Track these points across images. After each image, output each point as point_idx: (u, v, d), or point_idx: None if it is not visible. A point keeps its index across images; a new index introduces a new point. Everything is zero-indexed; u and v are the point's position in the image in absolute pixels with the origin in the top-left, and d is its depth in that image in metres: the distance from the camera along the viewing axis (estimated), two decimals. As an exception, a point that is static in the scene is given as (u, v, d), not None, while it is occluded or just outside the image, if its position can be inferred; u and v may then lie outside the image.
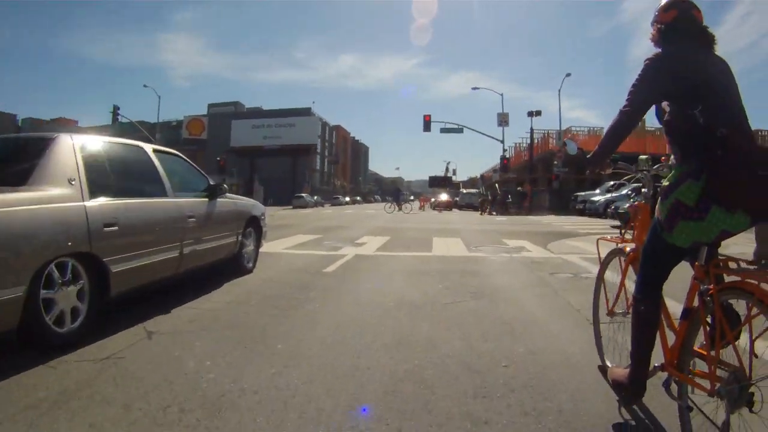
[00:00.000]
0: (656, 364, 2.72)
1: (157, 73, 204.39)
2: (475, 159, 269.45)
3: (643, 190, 3.29)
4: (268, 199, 68.65)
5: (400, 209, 40.13)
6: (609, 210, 23.48)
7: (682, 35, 2.64)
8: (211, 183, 6.76)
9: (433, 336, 4.41)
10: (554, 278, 7.56)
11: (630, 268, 3.23)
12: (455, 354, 3.89)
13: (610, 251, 3.56)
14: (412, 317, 5.08)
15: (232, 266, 7.26)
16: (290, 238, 13.83)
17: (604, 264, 3.65)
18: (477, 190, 54.56)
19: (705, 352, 2.36)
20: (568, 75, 44.57)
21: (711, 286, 2.34)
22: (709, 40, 2.65)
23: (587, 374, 3.49)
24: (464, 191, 58.55)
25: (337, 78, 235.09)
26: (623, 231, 3.73)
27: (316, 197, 68.16)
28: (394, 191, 50.10)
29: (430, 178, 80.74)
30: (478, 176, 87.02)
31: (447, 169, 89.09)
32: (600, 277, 3.70)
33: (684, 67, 2.51)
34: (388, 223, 22.18)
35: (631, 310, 2.87)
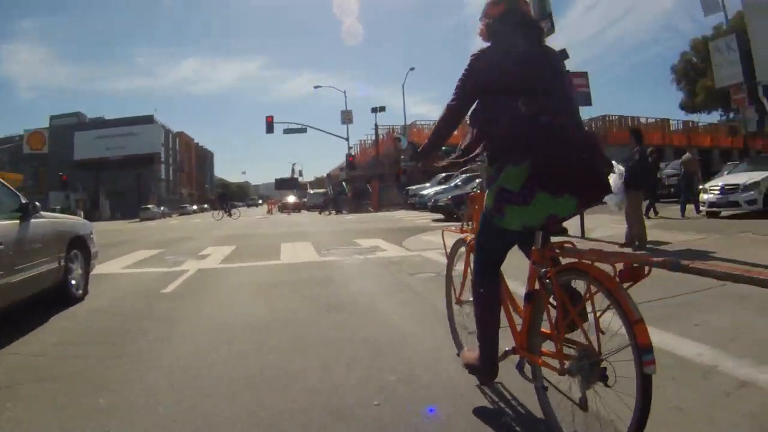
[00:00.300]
0: (507, 348, 2.79)
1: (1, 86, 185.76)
2: (322, 159, 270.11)
3: (477, 180, 3.43)
4: (115, 212, 64.98)
5: (230, 215, 38.14)
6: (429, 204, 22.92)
7: (510, 29, 2.67)
8: (24, 201, 5.78)
9: (288, 368, 3.80)
10: (415, 279, 7.36)
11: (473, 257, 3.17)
12: (316, 391, 3.30)
13: (455, 242, 3.63)
14: (261, 345, 4.46)
15: (59, 295, 6.36)
16: (130, 255, 12.79)
17: (451, 255, 3.71)
18: (324, 190, 54.17)
19: (552, 332, 2.42)
20: (412, 69, 45.68)
21: (549, 269, 2.40)
22: (537, 32, 2.75)
23: (467, 399, 3.04)
24: (312, 192, 58.00)
25: (181, 83, 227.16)
26: (464, 221, 3.83)
27: (162, 208, 65.28)
28: (219, 196, 46.92)
29: (277, 180, 79.79)
30: (325, 176, 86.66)
31: (293, 171, 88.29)
32: (449, 267, 3.75)
33: (509, 61, 2.57)
34: (235, 231, 21.31)
35: (473, 292, 2.87)
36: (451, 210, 18.98)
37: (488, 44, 2.75)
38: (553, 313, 2.42)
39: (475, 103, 2.68)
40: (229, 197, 48.05)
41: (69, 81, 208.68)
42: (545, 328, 2.51)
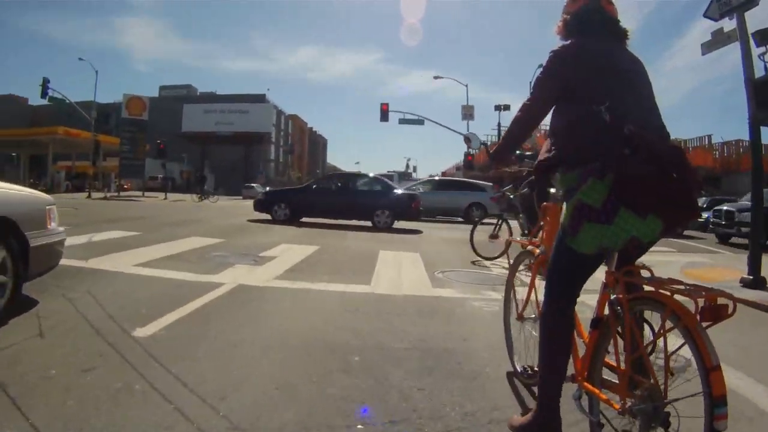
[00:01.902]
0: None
1: (117, 56, 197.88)
2: (437, 157, 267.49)
3: (551, 190, 3.11)
4: (218, 188, 64.57)
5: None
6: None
7: (590, 27, 2.54)
8: None
9: None
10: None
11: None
12: None
13: (519, 254, 3.49)
14: None
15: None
16: (172, 243, 9.51)
17: (514, 266, 3.55)
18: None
19: (616, 365, 2.23)
20: (540, 67, 40.84)
21: (622, 296, 2.18)
22: (620, 34, 2.58)
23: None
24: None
25: (297, 70, 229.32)
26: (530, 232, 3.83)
27: (268, 188, 63.60)
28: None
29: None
30: (440, 174, 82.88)
31: (407, 166, 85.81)
32: (510, 282, 3.61)
33: (590, 59, 2.42)
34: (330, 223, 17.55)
35: (539, 321, 2.62)
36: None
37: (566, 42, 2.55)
38: (621, 343, 2.20)
39: (554, 107, 2.53)
40: None
41: (183, 56, 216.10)
42: (609, 358, 2.30)
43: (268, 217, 16.97)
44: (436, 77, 44.83)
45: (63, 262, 5.13)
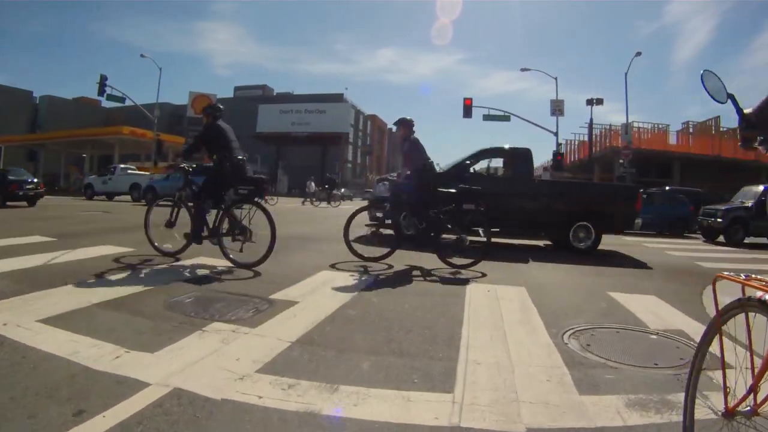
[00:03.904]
0: None
1: (198, 62, 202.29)
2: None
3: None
4: (292, 188, 62.60)
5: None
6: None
7: None
8: None
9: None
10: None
11: None
12: None
13: (732, 302, 2.11)
14: None
15: None
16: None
17: (719, 321, 2.18)
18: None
19: None
20: (639, 54, 36.51)
21: None
22: None
23: None
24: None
25: (377, 72, 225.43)
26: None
27: (343, 190, 61.08)
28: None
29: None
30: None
31: (488, 167, 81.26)
32: (703, 343, 2.26)
33: None
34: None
35: None
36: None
37: None
38: None
39: None
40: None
41: (264, 60, 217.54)
42: None
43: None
44: (523, 69, 40.72)
45: None
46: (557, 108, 38.80)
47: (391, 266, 7.80)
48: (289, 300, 5.23)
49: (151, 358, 3.41)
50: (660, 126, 42.22)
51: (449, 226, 8.08)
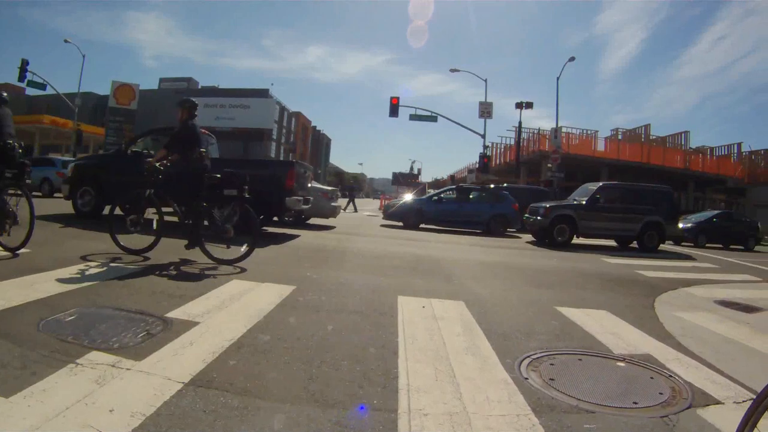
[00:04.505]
0: None
1: (126, 52, 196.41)
2: (442, 162, 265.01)
3: None
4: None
5: (355, 210, 31.41)
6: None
7: None
8: None
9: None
10: None
11: None
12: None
13: None
14: None
15: None
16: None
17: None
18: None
19: None
20: (572, 59, 36.71)
21: None
22: None
23: None
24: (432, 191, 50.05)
25: (304, 69, 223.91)
26: None
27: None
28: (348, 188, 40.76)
29: (395, 174, 73.15)
30: (447, 177, 77.46)
31: (411, 168, 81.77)
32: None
33: None
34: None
35: None
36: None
37: None
38: None
39: None
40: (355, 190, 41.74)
41: (192, 53, 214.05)
42: None
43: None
44: (452, 70, 40.39)
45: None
46: (485, 110, 38.62)
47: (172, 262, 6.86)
48: (189, 320, 4.24)
49: (3, 406, 2.51)
50: (588, 132, 42.69)
51: (213, 215, 7.29)
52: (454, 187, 23.11)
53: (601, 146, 41.97)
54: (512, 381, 3.39)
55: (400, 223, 19.31)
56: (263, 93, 78.88)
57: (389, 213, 20.06)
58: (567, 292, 7.25)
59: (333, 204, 16.75)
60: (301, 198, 11.89)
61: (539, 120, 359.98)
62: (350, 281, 6.71)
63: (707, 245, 22.51)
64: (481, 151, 38.28)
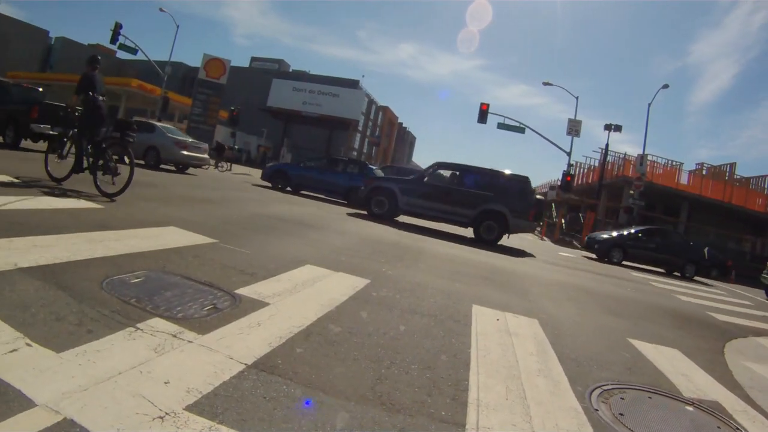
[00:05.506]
0: None
1: (218, 28, 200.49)
2: (526, 172, 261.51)
3: None
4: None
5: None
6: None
7: None
8: None
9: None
10: None
11: None
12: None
13: None
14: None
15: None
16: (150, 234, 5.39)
17: None
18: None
19: None
20: (666, 86, 35.64)
21: None
22: None
23: None
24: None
25: (395, 65, 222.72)
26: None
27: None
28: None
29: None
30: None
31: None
32: None
33: None
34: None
35: None
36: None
37: None
38: None
39: None
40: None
41: (283, 36, 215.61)
42: None
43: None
44: (545, 83, 39.81)
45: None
46: (574, 128, 37.89)
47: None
48: (258, 299, 4.26)
49: (53, 361, 2.50)
50: (674, 163, 41.25)
51: (107, 153, 8.59)
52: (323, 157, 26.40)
53: (683, 179, 40.40)
54: (582, 410, 3.29)
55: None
56: (353, 84, 79.36)
57: (263, 174, 22.71)
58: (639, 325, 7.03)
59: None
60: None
61: (622, 144, 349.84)
62: (425, 282, 6.67)
63: (624, 263, 19.92)
64: (565, 168, 37.56)
